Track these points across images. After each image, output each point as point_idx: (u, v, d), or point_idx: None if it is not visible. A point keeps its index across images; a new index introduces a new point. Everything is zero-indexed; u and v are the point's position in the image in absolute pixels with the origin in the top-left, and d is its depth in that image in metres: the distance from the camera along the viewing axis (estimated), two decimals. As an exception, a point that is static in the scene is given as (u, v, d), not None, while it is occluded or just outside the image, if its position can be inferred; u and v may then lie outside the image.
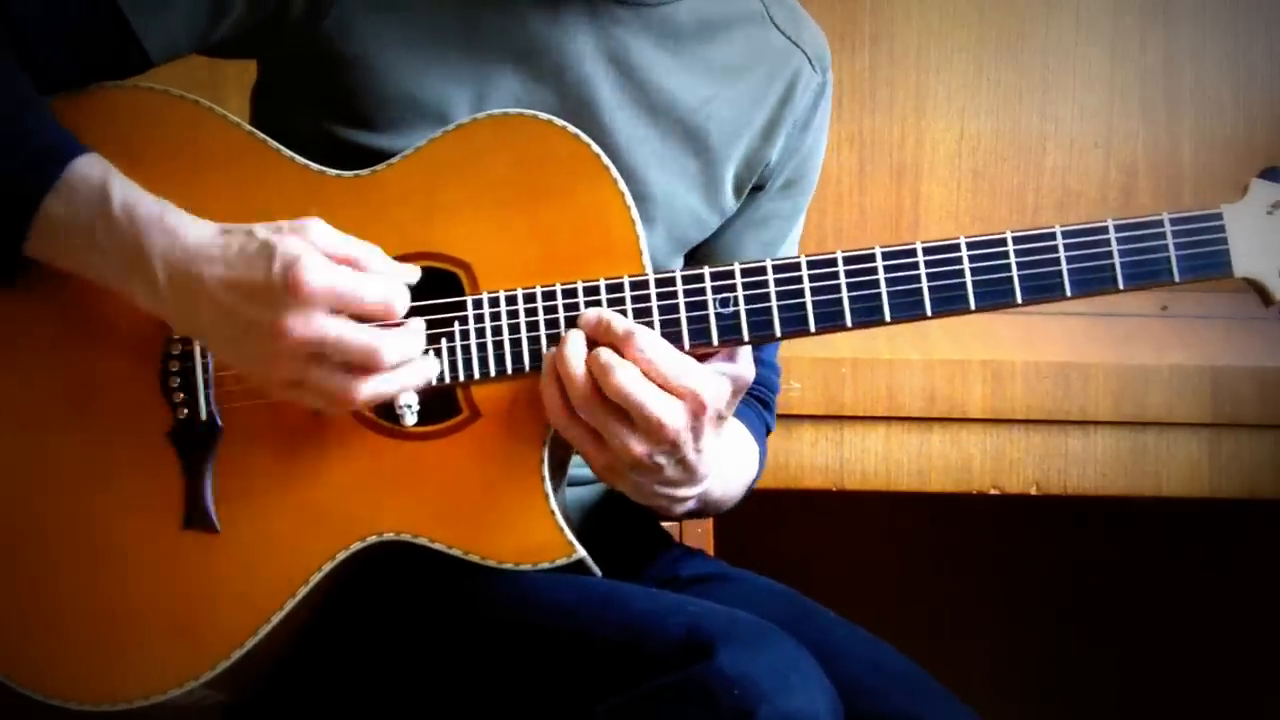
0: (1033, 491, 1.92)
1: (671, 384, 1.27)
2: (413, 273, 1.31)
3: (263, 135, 1.38)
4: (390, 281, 1.27)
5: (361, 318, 1.25)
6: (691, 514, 1.45)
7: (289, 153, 1.38)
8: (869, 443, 1.91)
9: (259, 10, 1.40)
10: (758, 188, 1.55)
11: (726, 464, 1.43)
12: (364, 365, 1.25)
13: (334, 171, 1.37)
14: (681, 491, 1.34)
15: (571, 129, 1.36)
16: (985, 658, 2.54)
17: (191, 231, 1.27)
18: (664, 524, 1.78)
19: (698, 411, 1.27)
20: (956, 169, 2.22)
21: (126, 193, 1.28)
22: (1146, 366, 1.91)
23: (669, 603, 1.28)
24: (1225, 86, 2.22)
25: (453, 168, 1.36)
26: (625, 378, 1.26)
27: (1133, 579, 2.54)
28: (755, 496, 1.98)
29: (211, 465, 1.33)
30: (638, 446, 1.27)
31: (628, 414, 1.26)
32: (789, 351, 1.67)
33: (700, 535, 1.83)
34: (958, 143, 2.21)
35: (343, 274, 1.25)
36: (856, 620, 1.43)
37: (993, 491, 1.92)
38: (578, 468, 1.49)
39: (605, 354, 1.27)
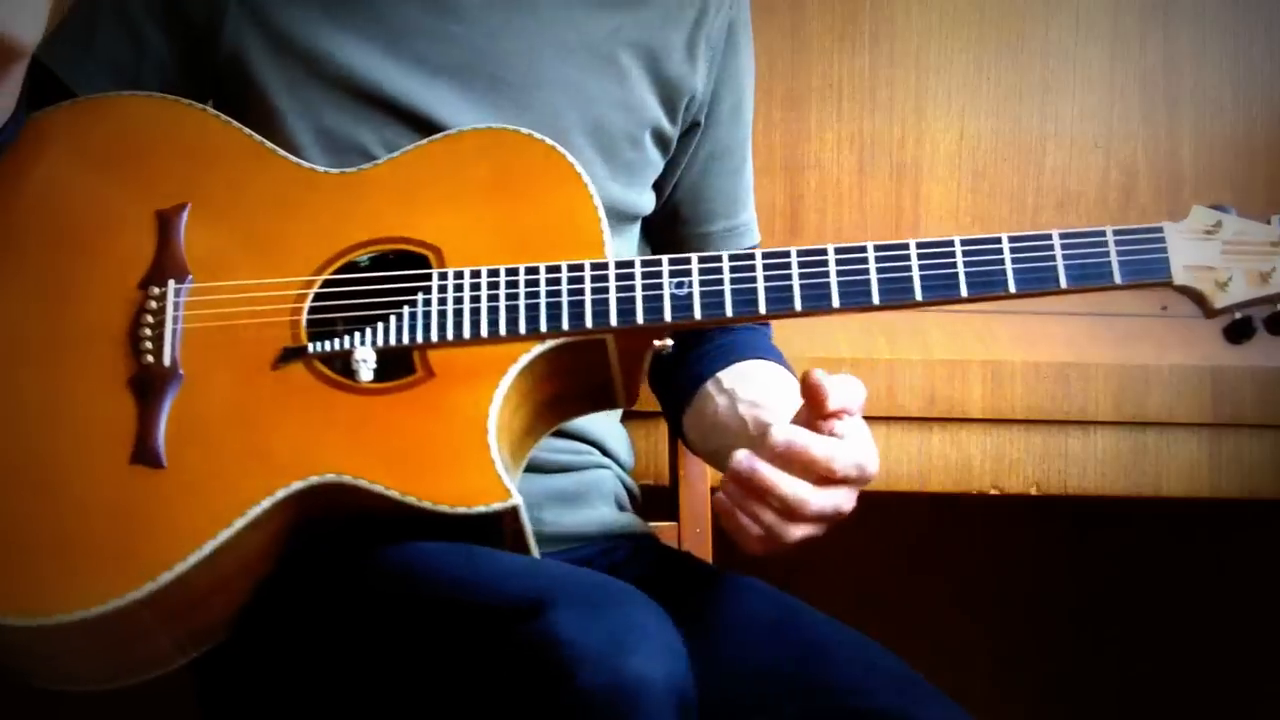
0: (1033, 491, 1.92)
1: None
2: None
3: (260, 137, 1.47)
4: None
5: None
6: None
7: (284, 153, 1.47)
8: (869, 443, 1.91)
9: (175, 38, 1.51)
10: (695, 124, 1.62)
11: None
12: None
13: (324, 169, 1.46)
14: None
15: (550, 142, 1.43)
16: (985, 658, 2.54)
17: None
18: (666, 523, 1.78)
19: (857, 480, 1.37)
20: (956, 169, 2.22)
21: None
22: (1146, 366, 1.91)
23: (521, 565, 1.28)
24: (1225, 86, 2.22)
25: (435, 169, 1.44)
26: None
27: (1132, 579, 2.54)
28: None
29: (167, 410, 1.37)
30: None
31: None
32: (788, 352, 1.67)
33: (699, 535, 1.83)
34: (958, 143, 2.21)
35: None
36: (855, 621, 1.43)
37: (993, 491, 1.92)
38: (554, 453, 1.54)
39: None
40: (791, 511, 1.33)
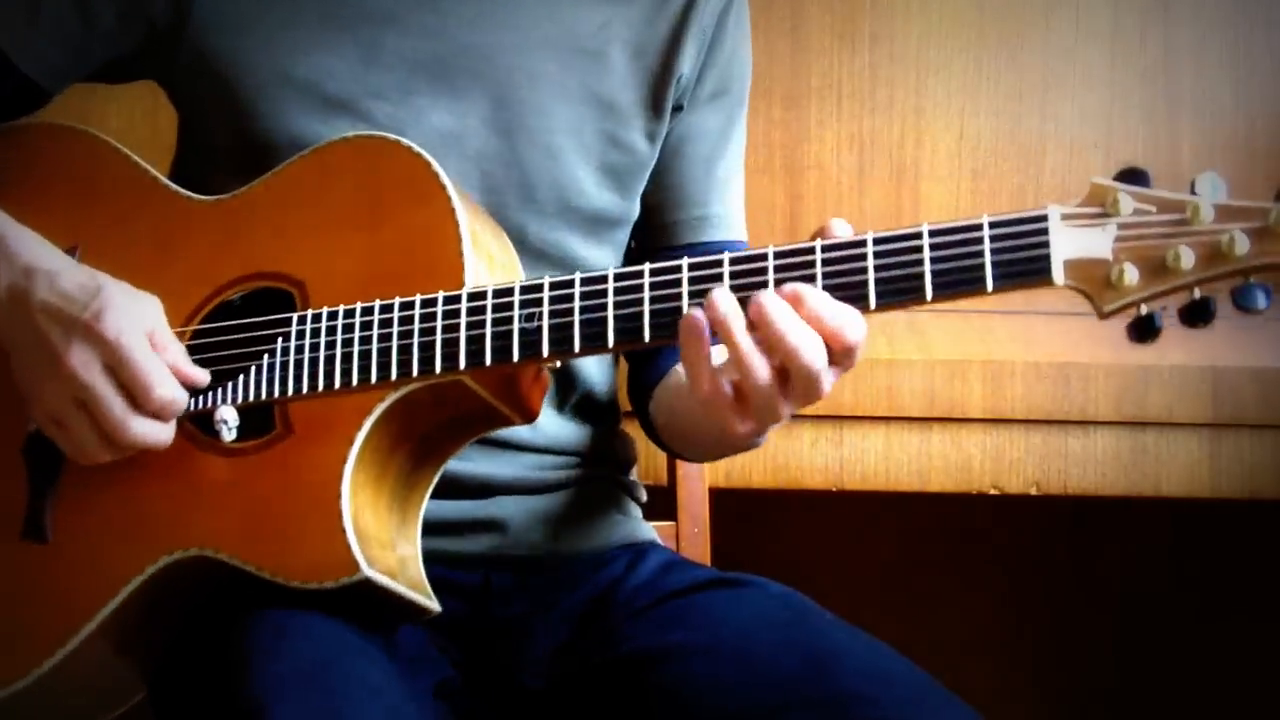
0: (1033, 492, 1.92)
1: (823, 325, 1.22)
2: (203, 376, 1.34)
3: (146, 165, 1.44)
4: (175, 389, 1.30)
5: (135, 397, 1.29)
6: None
7: (165, 180, 1.43)
8: (869, 443, 1.91)
9: (131, 22, 1.45)
10: (679, 106, 1.56)
11: None
12: (108, 434, 1.29)
13: (200, 197, 1.41)
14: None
15: (416, 149, 1.35)
16: (986, 658, 2.54)
17: (44, 257, 1.34)
18: (664, 522, 1.78)
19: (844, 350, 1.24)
20: (956, 169, 2.22)
21: None
22: (1146, 366, 1.91)
23: (281, 667, 1.22)
24: (1225, 85, 2.22)
25: (306, 189, 1.38)
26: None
27: (1132, 579, 2.54)
28: (755, 497, 1.98)
29: (57, 482, 1.36)
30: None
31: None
32: (788, 352, 1.67)
33: (697, 535, 1.82)
34: (958, 143, 2.21)
35: (140, 346, 1.29)
36: (856, 621, 1.42)
37: (993, 491, 1.92)
38: (540, 471, 1.49)
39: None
40: (791, 354, 1.20)
